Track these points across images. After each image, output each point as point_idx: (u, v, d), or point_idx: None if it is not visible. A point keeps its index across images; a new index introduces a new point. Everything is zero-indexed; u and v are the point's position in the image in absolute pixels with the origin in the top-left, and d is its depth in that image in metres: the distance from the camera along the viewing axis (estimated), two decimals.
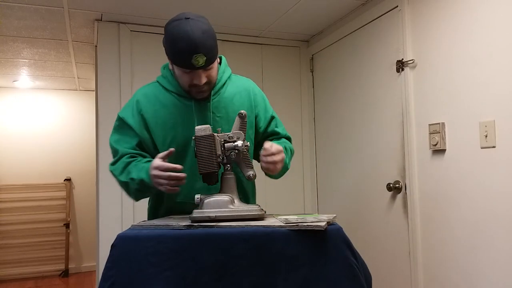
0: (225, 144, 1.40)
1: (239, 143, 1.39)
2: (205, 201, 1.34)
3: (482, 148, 1.99)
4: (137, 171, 1.46)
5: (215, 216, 1.31)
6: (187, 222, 1.32)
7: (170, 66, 1.56)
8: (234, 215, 1.32)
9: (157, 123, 1.56)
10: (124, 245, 1.21)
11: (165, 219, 1.49)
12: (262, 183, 3.32)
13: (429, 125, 2.28)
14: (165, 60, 1.59)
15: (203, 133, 1.37)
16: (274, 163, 1.47)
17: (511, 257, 1.86)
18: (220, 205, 1.33)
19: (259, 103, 1.68)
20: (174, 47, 1.43)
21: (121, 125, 1.59)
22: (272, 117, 1.72)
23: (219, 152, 1.39)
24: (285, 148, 1.62)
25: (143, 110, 1.57)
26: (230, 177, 1.41)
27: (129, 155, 1.54)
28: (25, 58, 3.96)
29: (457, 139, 2.13)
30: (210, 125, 1.48)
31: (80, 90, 5.44)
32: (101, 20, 2.98)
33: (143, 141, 1.57)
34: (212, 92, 1.57)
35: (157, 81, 1.64)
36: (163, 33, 1.49)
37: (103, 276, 1.20)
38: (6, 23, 3.02)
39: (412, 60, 2.41)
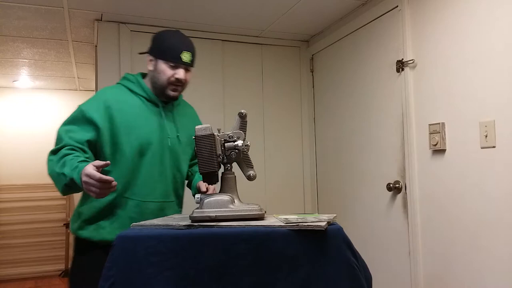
0: (225, 144, 1.40)
1: (239, 142, 1.39)
2: (205, 200, 1.34)
3: (482, 148, 1.99)
4: (70, 168, 1.47)
5: (215, 216, 1.31)
6: (187, 222, 1.32)
7: (151, 67, 1.72)
8: (234, 215, 1.32)
9: (123, 121, 1.65)
10: (124, 245, 1.21)
11: (164, 219, 1.49)
12: (262, 183, 3.33)
13: (429, 125, 2.28)
14: None
15: (203, 133, 1.37)
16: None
17: (510, 257, 1.86)
18: (220, 205, 1.33)
19: None
20: (167, 42, 1.69)
21: (79, 117, 1.63)
22: None
23: (219, 152, 1.39)
24: None
25: (112, 106, 1.65)
26: (230, 176, 1.41)
27: (70, 147, 1.56)
28: (25, 58, 3.96)
29: (457, 139, 2.13)
30: (172, 130, 1.74)
31: (80, 90, 5.44)
32: (101, 20, 2.98)
33: (100, 136, 1.62)
34: (175, 103, 1.80)
35: (122, 84, 1.75)
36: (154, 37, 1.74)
37: (103, 276, 1.19)
38: (6, 23, 3.02)
39: (412, 60, 2.41)
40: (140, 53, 1.86)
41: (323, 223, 1.21)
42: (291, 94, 3.51)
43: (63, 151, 1.54)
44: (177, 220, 1.38)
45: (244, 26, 3.17)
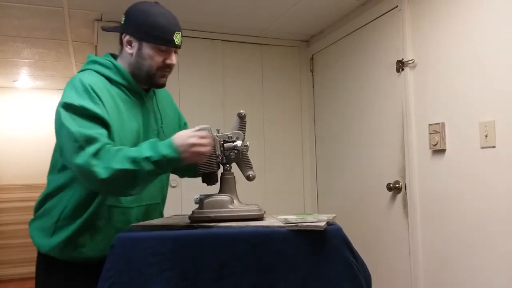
0: (225, 144, 1.40)
1: (239, 143, 1.39)
2: (205, 201, 1.34)
3: (482, 148, 1.99)
4: (151, 150, 1.25)
5: (215, 216, 1.31)
6: (187, 222, 1.32)
7: (132, 50, 1.43)
8: (233, 215, 1.32)
9: (112, 117, 1.35)
10: (124, 245, 1.20)
11: (164, 219, 1.49)
12: (262, 183, 3.33)
13: (429, 125, 2.27)
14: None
15: None
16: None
17: (511, 257, 1.86)
18: (220, 205, 1.33)
19: (178, 110, 1.73)
20: (155, 20, 1.38)
21: (84, 114, 1.28)
22: (185, 123, 1.76)
23: (218, 152, 1.38)
24: None
25: (101, 96, 1.33)
26: (230, 177, 1.41)
27: (110, 145, 1.28)
28: (25, 58, 3.96)
29: (457, 139, 2.13)
30: (158, 120, 1.51)
31: None
32: (101, 20, 2.98)
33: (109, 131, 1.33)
34: (151, 93, 1.54)
35: (95, 71, 1.41)
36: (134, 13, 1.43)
37: (102, 277, 1.19)
38: (6, 23, 3.02)
39: (412, 60, 2.40)
40: (109, 31, 1.54)
41: (322, 223, 1.21)
42: (291, 94, 3.51)
43: (111, 149, 1.25)
44: (177, 221, 1.38)
45: (244, 26, 3.17)
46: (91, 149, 1.24)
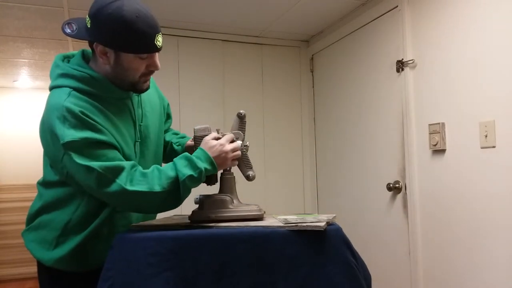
0: None
1: (238, 143, 1.38)
2: (205, 201, 1.34)
3: (482, 148, 1.99)
4: (187, 167, 1.24)
5: (215, 216, 1.31)
6: (186, 223, 1.32)
7: (109, 62, 1.28)
8: (233, 215, 1.32)
9: (112, 134, 1.30)
10: (123, 245, 1.20)
11: (164, 219, 1.49)
12: (262, 183, 3.33)
13: (429, 125, 2.27)
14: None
15: (202, 133, 1.37)
16: None
17: (510, 257, 1.86)
18: (220, 205, 1.33)
19: (160, 91, 1.63)
20: (135, 30, 1.21)
21: (91, 145, 1.22)
22: (168, 104, 1.69)
23: None
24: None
25: (95, 119, 1.26)
26: (230, 177, 1.41)
27: (137, 166, 1.27)
28: (25, 58, 3.96)
29: (457, 139, 2.13)
30: (141, 122, 1.43)
31: None
32: None
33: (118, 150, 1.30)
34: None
35: (77, 89, 1.29)
36: (104, 21, 1.22)
37: (102, 277, 1.19)
38: (6, 23, 3.02)
39: (412, 60, 2.40)
40: (74, 37, 1.37)
41: (322, 224, 1.21)
42: (291, 94, 3.51)
43: (140, 170, 1.25)
44: (176, 221, 1.38)
45: (244, 26, 3.17)
46: (123, 179, 1.22)
